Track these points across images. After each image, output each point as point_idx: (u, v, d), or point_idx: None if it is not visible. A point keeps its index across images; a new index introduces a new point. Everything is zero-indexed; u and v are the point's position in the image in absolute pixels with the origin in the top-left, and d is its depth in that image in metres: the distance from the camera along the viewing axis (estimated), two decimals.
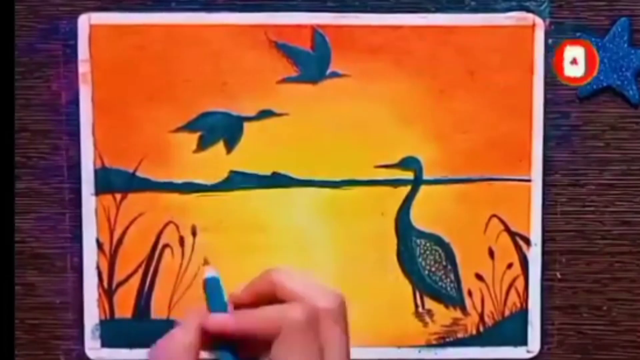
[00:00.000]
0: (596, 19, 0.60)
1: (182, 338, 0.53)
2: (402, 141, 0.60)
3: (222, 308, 0.55)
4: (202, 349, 0.53)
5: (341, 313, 0.53)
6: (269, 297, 0.54)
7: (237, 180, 0.60)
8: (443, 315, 0.61)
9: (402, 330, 0.61)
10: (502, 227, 0.61)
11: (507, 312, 0.61)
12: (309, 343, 0.50)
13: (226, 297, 0.56)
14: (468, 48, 0.60)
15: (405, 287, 0.61)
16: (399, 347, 0.61)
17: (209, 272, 0.58)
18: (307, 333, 0.50)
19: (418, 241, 0.61)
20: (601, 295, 0.62)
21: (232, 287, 0.55)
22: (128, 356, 0.61)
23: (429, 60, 0.60)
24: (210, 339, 0.53)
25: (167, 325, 0.60)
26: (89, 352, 0.61)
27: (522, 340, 0.62)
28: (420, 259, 0.61)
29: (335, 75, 0.60)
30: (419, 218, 0.61)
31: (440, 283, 0.61)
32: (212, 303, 0.56)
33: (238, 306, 0.55)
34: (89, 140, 0.60)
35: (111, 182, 0.60)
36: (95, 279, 0.60)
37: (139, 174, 0.60)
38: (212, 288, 0.57)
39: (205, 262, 0.56)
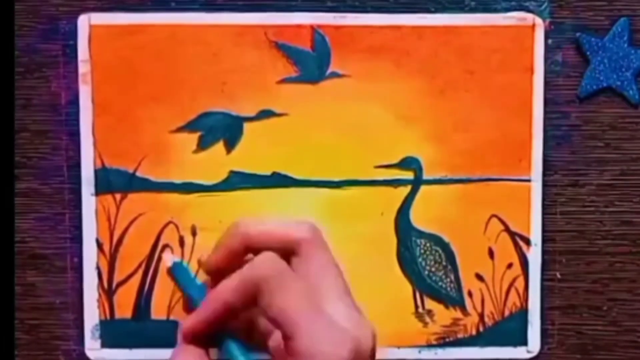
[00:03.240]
0: (596, 19, 0.60)
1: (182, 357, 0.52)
2: (402, 141, 0.60)
3: (200, 290, 0.54)
4: (210, 346, 0.53)
5: (319, 238, 0.52)
6: (242, 251, 0.53)
7: (237, 180, 0.60)
8: (443, 315, 0.61)
9: (402, 330, 0.61)
10: (502, 227, 0.61)
11: (507, 312, 0.61)
12: (293, 282, 0.50)
13: (198, 279, 0.56)
14: (468, 48, 0.60)
15: (405, 287, 0.61)
16: (399, 347, 0.61)
17: (171, 260, 0.57)
18: (285, 274, 0.50)
19: (418, 241, 0.61)
20: (601, 295, 0.62)
21: None
22: (128, 356, 0.61)
23: (429, 60, 0.60)
24: (211, 337, 0.53)
25: (167, 325, 0.60)
26: (88, 352, 0.61)
27: (522, 340, 0.62)
28: (420, 259, 0.61)
29: (335, 75, 0.60)
30: (419, 218, 0.61)
31: (440, 283, 0.61)
32: (188, 289, 0.55)
33: (213, 272, 0.54)
34: (89, 140, 0.60)
35: (111, 182, 0.60)
36: (95, 279, 0.60)
37: (139, 174, 0.60)
38: (180, 274, 0.56)
39: (162, 251, 0.56)
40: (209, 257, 0.54)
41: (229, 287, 0.50)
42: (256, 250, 0.52)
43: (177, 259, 0.58)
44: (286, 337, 0.48)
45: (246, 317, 0.53)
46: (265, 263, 0.50)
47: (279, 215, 0.60)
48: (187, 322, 0.52)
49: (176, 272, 0.56)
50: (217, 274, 0.53)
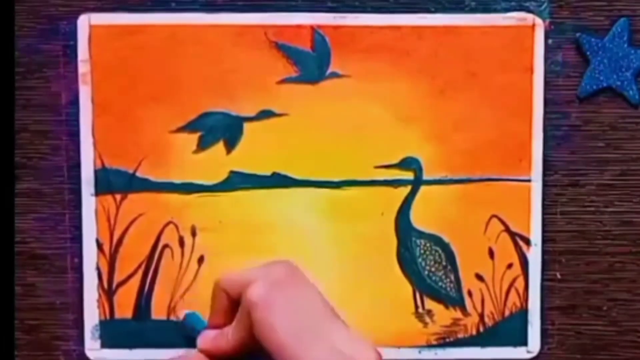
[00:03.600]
0: (596, 19, 0.60)
1: None
2: (402, 141, 0.60)
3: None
4: None
5: (292, 272, 0.52)
6: (228, 305, 0.54)
7: (237, 181, 0.60)
8: (443, 315, 0.61)
9: (402, 330, 0.61)
10: (502, 227, 0.61)
11: (507, 312, 0.61)
12: (282, 311, 0.50)
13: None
14: (468, 48, 0.60)
15: (405, 287, 0.61)
16: (399, 347, 0.61)
17: (185, 311, 0.59)
18: (274, 304, 0.50)
19: (418, 241, 0.61)
20: (601, 295, 0.62)
21: None
22: (128, 356, 0.61)
23: (429, 60, 0.60)
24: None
25: (167, 325, 0.61)
26: (89, 353, 0.61)
27: (522, 340, 0.62)
28: (420, 259, 0.61)
29: (335, 75, 0.60)
30: (419, 218, 0.61)
31: (440, 283, 0.61)
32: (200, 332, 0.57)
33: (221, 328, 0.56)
34: (89, 140, 0.60)
35: (111, 182, 0.60)
36: (95, 280, 0.60)
37: (139, 174, 0.60)
38: (193, 321, 0.58)
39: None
40: (209, 320, 0.55)
41: (232, 323, 0.52)
42: (238, 300, 0.52)
43: (189, 310, 0.59)
44: None
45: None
46: (251, 291, 0.50)
47: (279, 215, 0.60)
48: (212, 342, 0.53)
49: (190, 319, 0.58)
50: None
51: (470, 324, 0.61)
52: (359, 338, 0.50)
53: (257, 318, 0.49)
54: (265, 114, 0.60)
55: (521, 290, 0.61)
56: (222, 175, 0.60)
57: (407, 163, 0.60)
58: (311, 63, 0.60)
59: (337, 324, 0.51)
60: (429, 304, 0.61)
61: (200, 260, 0.60)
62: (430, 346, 0.61)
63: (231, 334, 0.52)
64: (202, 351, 0.55)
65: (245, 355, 0.53)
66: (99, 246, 0.60)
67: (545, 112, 0.60)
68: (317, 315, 0.51)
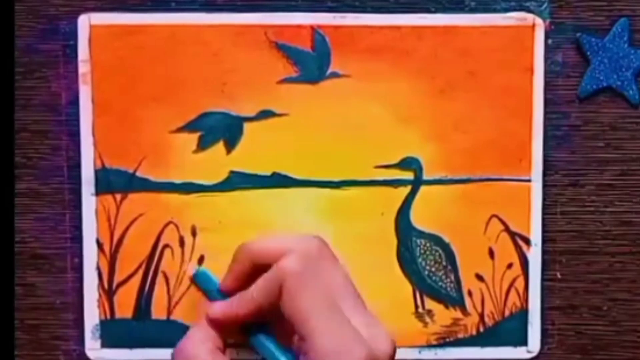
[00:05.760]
0: (596, 19, 0.60)
1: (197, 334, 0.54)
2: (402, 141, 0.60)
3: (224, 297, 0.56)
4: (236, 340, 0.54)
5: (323, 249, 0.53)
6: (250, 271, 0.55)
7: (237, 181, 0.60)
8: (443, 315, 0.61)
9: (402, 330, 0.61)
10: (502, 227, 0.61)
11: (507, 312, 0.61)
12: (312, 284, 0.50)
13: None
14: (468, 48, 0.60)
15: (405, 287, 0.61)
16: (399, 347, 0.61)
17: (195, 268, 0.59)
18: (305, 276, 0.51)
19: (418, 241, 0.61)
20: (601, 295, 0.62)
21: None
22: (128, 356, 0.61)
23: (429, 60, 0.60)
24: (236, 329, 0.54)
25: (168, 325, 0.60)
26: (89, 353, 0.61)
27: (522, 340, 0.62)
28: (420, 259, 0.61)
29: (335, 75, 0.60)
30: (419, 218, 0.61)
31: (440, 283, 0.61)
32: (214, 294, 0.57)
33: (231, 295, 0.56)
34: (89, 140, 0.60)
35: (111, 182, 0.60)
36: (96, 279, 0.60)
37: (139, 174, 0.60)
38: (203, 281, 0.58)
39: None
40: (222, 282, 0.56)
41: (256, 286, 0.52)
42: (264, 268, 0.53)
43: (200, 267, 0.59)
44: (300, 337, 0.49)
45: (273, 317, 0.54)
46: (288, 262, 0.51)
47: (279, 215, 0.60)
48: (216, 308, 0.54)
49: (200, 278, 0.58)
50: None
51: (470, 324, 0.61)
52: (378, 324, 0.51)
53: (290, 287, 0.50)
54: (265, 114, 0.60)
55: (521, 290, 0.61)
56: (222, 175, 0.60)
57: (407, 163, 0.60)
58: (311, 63, 0.60)
59: (360, 306, 0.52)
60: (429, 303, 0.61)
61: (201, 260, 0.60)
62: (430, 346, 0.61)
63: (256, 295, 0.52)
64: (212, 320, 0.55)
65: (252, 327, 0.54)
66: (99, 246, 0.60)
67: (545, 112, 0.60)
68: (343, 294, 0.52)
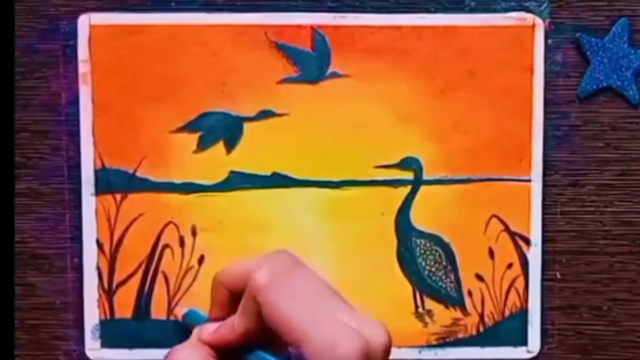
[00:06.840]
0: (596, 19, 0.60)
1: (191, 344, 0.53)
2: (402, 141, 0.60)
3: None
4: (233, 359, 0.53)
5: (292, 259, 0.53)
6: (228, 299, 0.54)
7: (237, 181, 0.60)
8: (443, 315, 0.61)
9: (402, 330, 0.61)
10: (502, 227, 0.61)
11: (507, 312, 0.61)
12: (288, 292, 0.50)
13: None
14: (468, 48, 0.60)
15: (405, 287, 0.61)
16: (399, 347, 0.61)
17: (184, 309, 0.59)
18: (279, 286, 0.50)
19: (418, 241, 0.61)
20: (601, 295, 0.62)
21: None
22: (128, 356, 0.61)
23: (429, 60, 0.60)
24: (232, 350, 0.53)
25: (167, 325, 0.61)
26: (89, 353, 0.61)
27: (522, 340, 0.62)
28: (420, 259, 0.61)
29: (335, 75, 0.60)
30: (419, 218, 0.61)
31: (440, 283, 0.61)
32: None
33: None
34: (89, 140, 0.60)
35: (111, 182, 0.60)
36: (95, 279, 0.60)
37: (139, 174, 0.60)
38: (194, 319, 0.58)
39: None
40: (210, 313, 0.55)
41: (237, 313, 0.52)
42: (239, 293, 0.52)
43: (189, 308, 0.59)
44: (295, 345, 0.48)
45: (265, 333, 0.53)
46: (258, 277, 0.50)
47: (279, 215, 0.60)
48: (204, 334, 0.53)
49: (189, 319, 0.58)
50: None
51: (470, 324, 0.61)
52: (367, 318, 0.50)
53: (265, 301, 0.49)
54: (265, 114, 0.60)
55: (521, 290, 0.61)
56: (222, 175, 0.60)
57: (407, 163, 0.60)
58: (311, 63, 0.60)
59: (344, 304, 0.51)
60: (429, 303, 0.61)
61: (201, 260, 0.60)
62: (430, 346, 0.61)
63: (237, 323, 0.52)
64: (204, 343, 0.54)
65: (246, 346, 0.53)
66: (99, 246, 0.60)
67: (545, 112, 0.60)
68: (323, 295, 0.51)
